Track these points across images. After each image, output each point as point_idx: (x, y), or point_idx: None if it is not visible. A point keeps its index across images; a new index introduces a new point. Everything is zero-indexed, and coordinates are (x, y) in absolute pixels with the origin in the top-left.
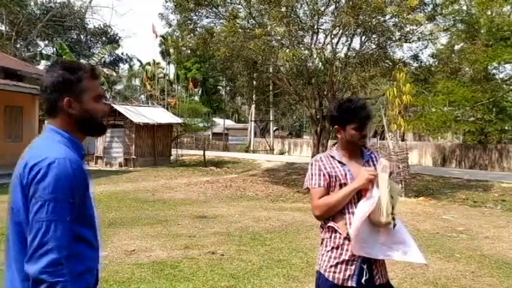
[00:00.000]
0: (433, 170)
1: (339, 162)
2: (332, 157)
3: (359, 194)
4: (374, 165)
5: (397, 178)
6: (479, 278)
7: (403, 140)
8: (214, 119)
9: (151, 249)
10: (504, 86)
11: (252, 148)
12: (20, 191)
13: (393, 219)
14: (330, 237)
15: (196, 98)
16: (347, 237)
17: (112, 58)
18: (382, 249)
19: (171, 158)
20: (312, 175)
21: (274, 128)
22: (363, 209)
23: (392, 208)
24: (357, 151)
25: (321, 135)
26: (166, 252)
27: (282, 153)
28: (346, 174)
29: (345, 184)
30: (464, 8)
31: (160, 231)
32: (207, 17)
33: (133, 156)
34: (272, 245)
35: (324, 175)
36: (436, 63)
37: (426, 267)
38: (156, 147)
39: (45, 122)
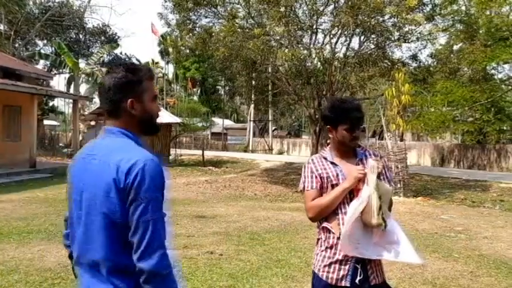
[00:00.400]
0: (432, 170)
1: (331, 163)
2: (324, 158)
3: (352, 194)
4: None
5: (396, 178)
6: (478, 277)
7: (401, 140)
8: (213, 118)
9: None
10: (503, 86)
11: (250, 148)
12: (114, 194)
13: (383, 220)
14: (324, 237)
15: (195, 98)
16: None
17: (111, 57)
18: (375, 249)
19: (170, 157)
20: (304, 177)
21: (273, 128)
22: (353, 209)
23: (380, 209)
24: (349, 151)
25: (319, 135)
26: None
27: (280, 153)
28: (337, 175)
29: (337, 185)
30: (463, 8)
31: None
32: (206, 17)
33: None
34: (271, 245)
35: (316, 177)
36: (435, 63)
37: (423, 266)
38: (154, 147)
39: (105, 123)
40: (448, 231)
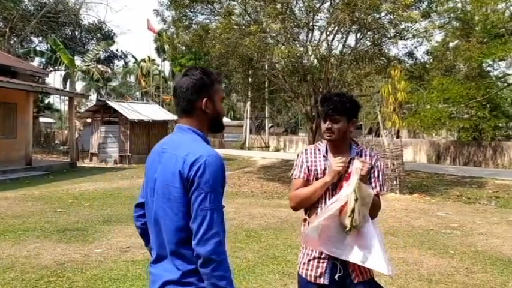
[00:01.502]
0: (428, 166)
1: (323, 156)
2: (318, 150)
3: (334, 191)
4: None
5: (392, 175)
6: (473, 274)
7: (398, 137)
8: None
9: None
10: (498, 83)
11: (247, 145)
12: (179, 184)
13: (351, 223)
14: (304, 231)
15: None
16: None
17: (107, 55)
18: (345, 250)
19: None
20: (295, 166)
21: (270, 125)
22: (331, 206)
23: (352, 212)
24: (341, 146)
25: (316, 132)
26: None
27: (277, 150)
28: (325, 169)
29: (321, 178)
30: (459, 5)
31: None
32: (202, 14)
33: (128, 154)
34: (267, 242)
35: (304, 168)
36: (431, 60)
37: (418, 264)
38: (151, 144)
39: (177, 121)
40: (444, 228)
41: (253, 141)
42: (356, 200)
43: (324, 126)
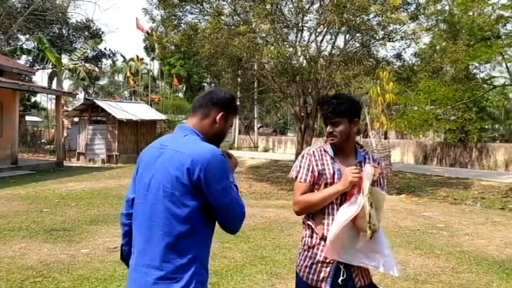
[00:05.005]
0: (415, 167)
1: (331, 158)
2: (325, 151)
3: (343, 196)
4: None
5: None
6: (459, 274)
7: (385, 137)
8: None
9: None
10: (484, 85)
11: (236, 145)
12: (187, 180)
13: (371, 229)
14: (307, 235)
15: (181, 95)
16: (323, 238)
17: (95, 53)
18: (357, 255)
19: None
20: (300, 167)
21: (259, 126)
22: (344, 214)
23: (370, 217)
24: (346, 149)
25: (305, 132)
26: None
27: (266, 150)
28: (334, 174)
29: (331, 184)
30: (447, 8)
31: None
32: (192, 13)
33: (116, 153)
34: (255, 242)
35: (312, 171)
36: (419, 62)
37: (405, 263)
38: (139, 144)
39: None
40: (430, 228)
41: (242, 142)
42: (371, 204)
43: (327, 130)
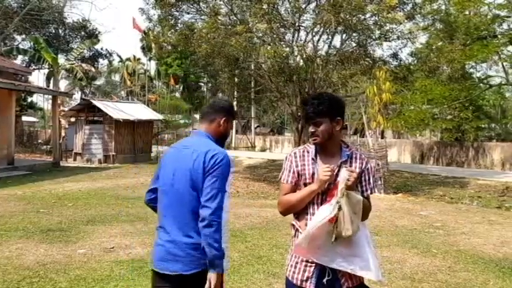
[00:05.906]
0: (412, 167)
1: (312, 158)
2: (308, 152)
3: (324, 196)
4: (351, 165)
5: (377, 175)
6: (455, 272)
7: (382, 137)
8: (195, 115)
9: (131, 246)
10: (481, 84)
11: (233, 145)
12: (201, 170)
13: (334, 233)
14: (292, 235)
15: (177, 95)
16: None
17: (91, 53)
18: (335, 258)
19: (152, 154)
20: (284, 169)
21: (256, 125)
22: (320, 215)
23: (337, 221)
24: (330, 148)
25: (301, 132)
26: (146, 249)
27: (263, 150)
28: (313, 174)
29: (310, 183)
30: (443, 7)
31: (140, 229)
32: (188, 13)
33: (113, 153)
34: (253, 242)
35: (293, 172)
36: (415, 61)
37: (401, 263)
38: (136, 144)
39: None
40: (427, 227)
41: (239, 141)
42: (340, 209)
43: (309, 130)
